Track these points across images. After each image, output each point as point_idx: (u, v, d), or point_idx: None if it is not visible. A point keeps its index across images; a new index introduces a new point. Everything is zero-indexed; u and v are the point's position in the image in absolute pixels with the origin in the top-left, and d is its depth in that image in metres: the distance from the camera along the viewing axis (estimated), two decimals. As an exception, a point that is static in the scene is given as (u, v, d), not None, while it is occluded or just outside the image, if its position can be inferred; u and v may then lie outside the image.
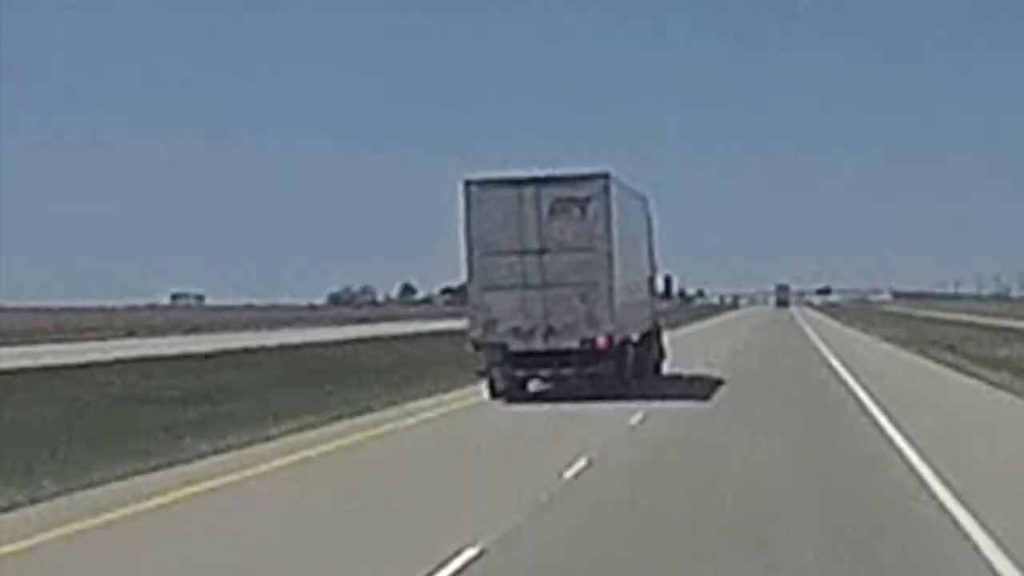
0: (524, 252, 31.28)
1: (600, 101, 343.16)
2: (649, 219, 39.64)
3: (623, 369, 32.16)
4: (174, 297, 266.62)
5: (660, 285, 40.77)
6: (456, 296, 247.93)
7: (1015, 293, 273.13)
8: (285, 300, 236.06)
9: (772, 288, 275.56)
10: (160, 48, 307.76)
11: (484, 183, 31.56)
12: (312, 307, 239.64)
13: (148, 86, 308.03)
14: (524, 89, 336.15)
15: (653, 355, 38.62)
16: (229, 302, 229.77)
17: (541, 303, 31.28)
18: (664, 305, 44.98)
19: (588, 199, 31.35)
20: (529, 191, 31.32)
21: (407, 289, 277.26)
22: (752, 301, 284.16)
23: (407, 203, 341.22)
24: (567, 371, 31.55)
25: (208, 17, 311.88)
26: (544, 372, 31.84)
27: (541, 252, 31.29)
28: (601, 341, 31.30)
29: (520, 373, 31.83)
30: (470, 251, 31.49)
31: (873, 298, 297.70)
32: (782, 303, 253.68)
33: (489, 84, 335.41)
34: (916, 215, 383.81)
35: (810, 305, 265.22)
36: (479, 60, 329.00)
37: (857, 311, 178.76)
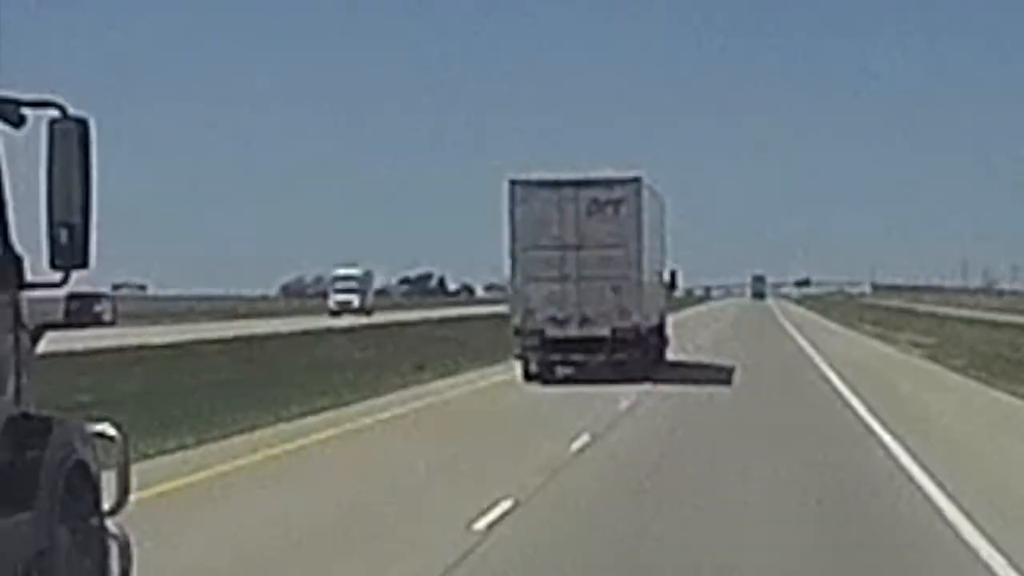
0: (563, 247, 36.76)
1: (577, 91, 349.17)
2: (663, 217, 45.20)
3: (646, 356, 37.86)
4: (115, 287, 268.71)
5: (667, 278, 46.46)
6: (415, 287, 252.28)
7: (1004, 286, 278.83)
8: (235, 291, 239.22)
9: (748, 279, 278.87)
10: (117, 30, 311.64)
11: (527, 183, 37.08)
12: (265, 298, 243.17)
13: (100, 65, 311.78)
14: (491, 85, 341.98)
15: (661, 343, 44.41)
16: (173, 292, 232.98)
17: (576, 294, 36.75)
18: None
19: (621, 200, 36.93)
20: (568, 192, 36.82)
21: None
22: (728, 292, 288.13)
23: (363, 191, 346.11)
24: (599, 357, 37.10)
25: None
26: (577, 357, 37.39)
27: (578, 248, 36.73)
28: (630, 330, 36.92)
29: (555, 357, 37.36)
30: (513, 245, 37.02)
31: (852, 290, 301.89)
32: (758, 295, 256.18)
33: (472, 81, 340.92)
34: (894, 206, 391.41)
35: (787, 297, 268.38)
36: (466, 58, 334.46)
37: (842, 305, 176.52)
